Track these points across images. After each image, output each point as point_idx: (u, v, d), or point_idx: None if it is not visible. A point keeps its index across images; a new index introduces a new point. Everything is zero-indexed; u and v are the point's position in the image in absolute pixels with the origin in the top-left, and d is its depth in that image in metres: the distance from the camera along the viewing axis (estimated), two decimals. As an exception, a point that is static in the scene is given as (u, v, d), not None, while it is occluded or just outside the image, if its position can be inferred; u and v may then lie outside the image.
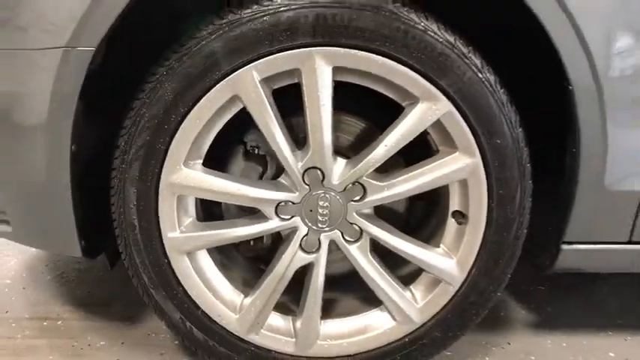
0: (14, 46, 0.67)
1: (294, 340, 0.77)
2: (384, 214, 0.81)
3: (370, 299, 0.79)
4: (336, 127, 0.77)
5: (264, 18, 0.63)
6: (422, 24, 0.64)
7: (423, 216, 0.85)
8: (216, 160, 0.77)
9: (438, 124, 0.68)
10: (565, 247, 0.76)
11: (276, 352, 0.77)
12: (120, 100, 0.71)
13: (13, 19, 0.67)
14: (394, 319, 0.77)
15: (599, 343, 0.99)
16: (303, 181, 0.71)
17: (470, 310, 0.76)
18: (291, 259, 0.74)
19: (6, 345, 0.93)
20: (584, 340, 0.99)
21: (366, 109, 0.80)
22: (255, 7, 0.63)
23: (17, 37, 0.67)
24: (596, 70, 0.65)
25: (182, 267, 0.73)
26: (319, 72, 0.65)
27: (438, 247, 0.76)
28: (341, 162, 0.72)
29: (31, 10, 0.66)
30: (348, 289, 0.85)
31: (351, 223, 0.73)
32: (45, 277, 1.17)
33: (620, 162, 0.70)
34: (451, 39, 0.65)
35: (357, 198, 0.72)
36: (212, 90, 0.65)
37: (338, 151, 0.75)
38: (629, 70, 0.67)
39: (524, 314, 1.07)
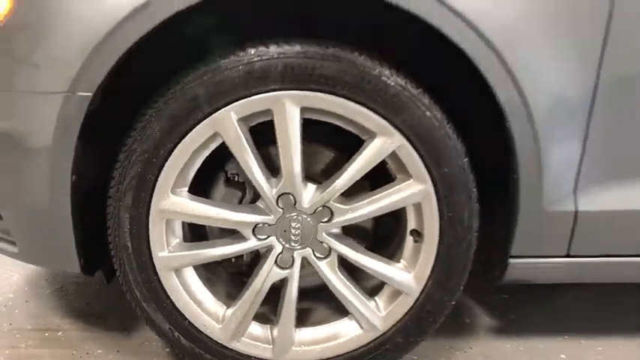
0: (24, 88, 0.77)
1: (271, 346, 0.86)
2: (354, 231, 0.91)
3: (340, 309, 0.88)
4: (308, 156, 0.87)
5: (240, 67, 0.73)
6: (377, 70, 0.74)
7: (388, 234, 0.95)
8: (202, 186, 0.87)
9: (393, 155, 0.78)
10: (512, 260, 0.86)
11: (255, 357, 0.86)
12: (115, 135, 0.80)
13: (24, 63, 0.76)
14: (361, 327, 0.86)
15: (554, 346, 1.08)
16: (277, 205, 0.80)
17: (427, 318, 0.85)
18: (267, 275, 0.83)
19: (11, 354, 1.01)
20: (540, 344, 1.08)
21: (335, 140, 0.89)
22: (232, 57, 0.73)
23: (26, 80, 0.76)
24: (529, 107, 0.75)
25: (170, 283, 0.83)
26: (288, 112, 0.74)
27: (399, 262, 0.86)
28: (311, 187, 0.82)
29: (39, 57, 0.75)
30: (320, 300, 0.95)
31: (321, 242, 0.83)
32: (45, 291, 1.26)
33: (554, 186, 0.80)
34: (402, 82, 0.75)
35: (326, 219, 0.82)
36: (195, 128, 0.75)
37: (311, 177, 0.85)
38: (558, 102, 0.77)
39: (488, 321, 1.17)
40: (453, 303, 0.86)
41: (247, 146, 0.76)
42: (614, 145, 0.81)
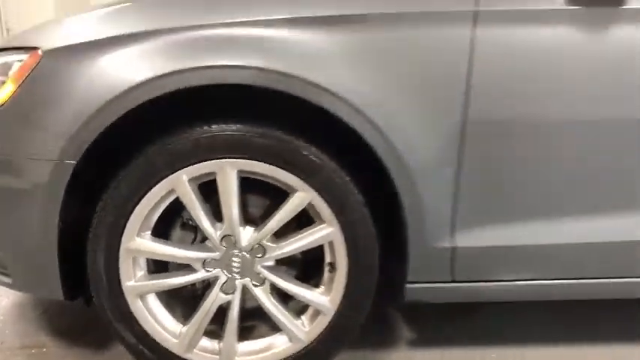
0: (23, 155, 0.99)
1: (218, 357, 1.08)
2: (288, 262, 1.14)
3: (275, 326, 1.10)
4: (250, 204, 1.10)
5: (190, 141, 0.96)
6: (295, 143, 0.97)
7: (315, 264, 1.17)
8: (163, 229, 1.09)
9: (310, 205, 1.01)
10: (408, 286, 1.10)
11: (204, 365, 1.08)
12: (94, 191, 1.02)
13: (25, 137, 0.98)
14: (290, 340, 1.08)
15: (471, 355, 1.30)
16: (221, 244, 1.03)
17: (341, 332, 1.08)
18: (214, 299, 1.05)
19: (2, 368, 1.21)
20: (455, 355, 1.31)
21: (269, 191, 1.12)
22: (184, 134, 0.96)
23: (25, 149, 0.98)
24: (406, 164, 0.98)
25: (136, 306, 1.04)
26: (228, 175, 0.97)
27: (319, 287, 1.08)
28: (249, 230, 1.05)
29: (36, 133, 0.97)
30: (261, 318, 1.16)
31: (257, 273, 1.05)
32: (32, 314, 1.45)
33: (434, 227, 1.04)
34: (315, 152, 0.98)
35: (260, 255, 1.04)
36: (156, 186, 0.98)
37: (252, 221, 1.08)
38: (429, 158, 0.99)
39: (410, 334, 1.40)
40: (362, 321, 1.09)
41: (195, 200, 0.99)
42: (483, 194, 1.05)
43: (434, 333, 1.41)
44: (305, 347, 1.08)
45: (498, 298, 1.19)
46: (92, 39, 0.98)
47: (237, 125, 0.97)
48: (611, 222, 1.08)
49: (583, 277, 1.13)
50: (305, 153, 0.98)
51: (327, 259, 1.06)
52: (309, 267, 1.17)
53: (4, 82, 1.03)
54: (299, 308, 1.12)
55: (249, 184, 1.03)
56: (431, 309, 1.50)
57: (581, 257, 1.12)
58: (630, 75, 1.00)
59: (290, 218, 1.02)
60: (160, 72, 0.94)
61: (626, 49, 1.00)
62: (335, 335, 1.08)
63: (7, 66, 1.03)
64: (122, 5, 1.07)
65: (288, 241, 1.04)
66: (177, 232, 1.10)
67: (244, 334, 1.12)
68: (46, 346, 1.29)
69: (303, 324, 1.08)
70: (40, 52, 0.99)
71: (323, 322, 1.07)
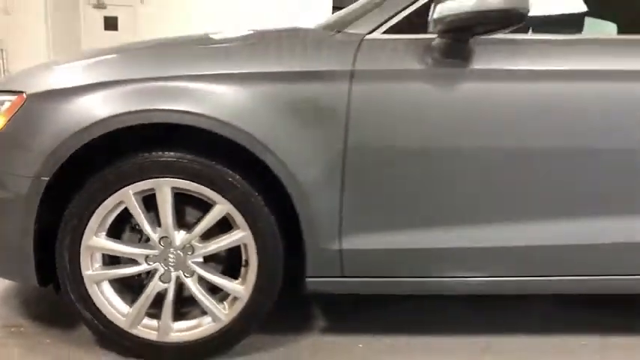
0: (7, 171, 1.30)
1: (156, 332, 1.38)
2: (217, 259, 1.44)
3: (204, 310, 1.40)
4: (187, 213, 1.41)
5: (136, 164, 1.27)
6: (216, 167, 1.29)
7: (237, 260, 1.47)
8: (118, 231, 1.40)
9: (229, 215, 1.32)
10: (308, 279, 1.40)
11: (145, 339, 1.37)
12: (63, 200, 1.33)
13: (11, 157, 1.29)
14: (213, 320, 1.38)
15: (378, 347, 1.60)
16: (160, 244, 1.33)
17: (253, 315, 1.38)
18: (154, 287, 1.35)
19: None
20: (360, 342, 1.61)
21: (200, 202, 1.43)
22: (132, 159, 1.27)
23: (9, 167, 1.29)
24: (300, 183, 1.29)
25: (93, 291, 1.34)
26: (164, 190, 1.29)
27: (237, 279, 1.39)
28: (182, 233, 1.35)
29: (19, 155, 1.28)
30: (195, 304, 1.46)
31: (188, 267, 1.36)
32: (13, 300, 1.75)
33: (325, 233, 1.35)
34: (231, 174, 1.29)
35: (190, 253, 1.35)
36: (109, 198, 1.28)
37: (186, 225, 1.38)
38: (319, 181, 1.30)
39: (323, 321, 1.70)
40: (270, 305, 1.39)
41: (139, 209, 1.30)
42: (362, 208, 1.36)
43: (347, 322, 1.71)
44: (225, 326, 1.38)
45: (384, 291, 1.51)
46: (65, 86, 1.30)
47: (172, 152, 1.28)
48: (471, 230, 1.40)
49: (450, 276, 1.45)
50: (224, 175, 1.29)
51: (243, 257, 1.37)
52: (234, 264, 1.48)
53: (2, 113, 1.34)
54: (223, 296, 1.42)
55: (186, 198, 1.34)
56: (349, 300, 1.83)
57: (450, 259, 1.43)
58: (471, 114, 1.33)
59: (212, 225, 1.33)
60: (114, 112, 1.26)
61: (472, 95, 1.32)
62: (248, 317, 1.39)
63: (3, 105, 1.34)
64: (91, 60, 1.40)
65: (211, 242, 1.35)
66: (127, 234, 1.41)
67: (181, 316, 1.42)
68: (24, 326, 1.58)
69: (224, 308, 1.39)
70: (24, 95, 1.31)
71: (239, 307, 1.37)
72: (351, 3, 1.67)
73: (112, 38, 8.69)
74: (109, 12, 8.70)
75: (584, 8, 1.78)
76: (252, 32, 1.59)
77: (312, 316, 1.74)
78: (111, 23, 8.76)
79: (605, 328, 1.69)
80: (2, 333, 1.55)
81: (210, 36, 1.61)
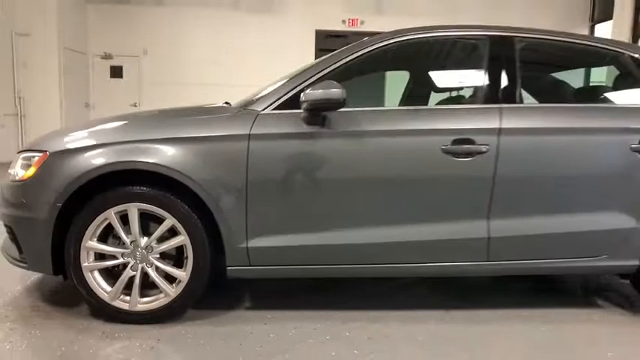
0: (36, 201, 2.07)
1: (128, 304, 2.11)
2: (169, 255, 2.19)
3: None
4: (149, 225, 2.17)
5: (114, 195, 2.04)
6: (167, 195, 2.05)
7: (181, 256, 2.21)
8: (105, 236, 2.15)
9: (174, 226, 2.08)
10: (228, 268, 2.14)
11: (121, 309, 2.12)
12: (74, 218, 2.09)
13: (37, 191, 2.07)
14: (165, 296, 2.12)
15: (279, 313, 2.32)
16: (131, 245, 2.09)
17: (191, 293, 2.13)
18: (127, 274, 2.11)
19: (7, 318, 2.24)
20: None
21: (156, 218, 2.18)
22: (113, 192, 2.05)
23: (37, 197, 2.07)
24: (217, 200, 2.05)
25: (88, 277, 2.10)
26: (133, 211, 2.06)
27: (181, 268, 2.13)
28: (145, 238, 2.11)
29: (43, 189, 2.06)
30: (153, 286, 2.19)
31: (149, 260, 2.11)
32: (35, 292, 2.49)
33: (236, 236, 2.10)
34: (176, 199, 2.06)
35: (150, 251, 2.10)
36: (99, 216, 2.06)
37: (148, 233, 2.14)
38: (230, 200, 2.06)
39: (249, 301, 2.41)
40: (203, 287, 2.13)
41: (117, 223, 2.06)
42: (261, 220, 2.11)
43: (270, 300, 2.43)
44: (172, 300, 2.13)
45: (277, 275, 2.25)
46: (73, 147, 2.10)
47: (138, 187, 2.06)
48: (332, 233, 2.14)
49: (323, 264, 2.19)
50: (171, 201, 2.06)
51: (186, 253, 2.12)
52: (180, 258, 2.22)
53: (29, 166, 2.13)
54: (172, 280, 2.16)
55: (148, 215, 2.10)
56: (285, 286, 2.56)
57: (322, 252, 2.17)
58: (325, 157, 2.10)
59: (163, 232, 2.09)
60: (107, 161, 2.04)
61: (324, 146, 2.11)
62: (187, 294, 2.13)
63: (33, 159, 2.13)
64: (90, 128, 2.20)
65: (163, 244, 2.10)
66: (110, 239, 2.17)
67: (144, 294, 2.16)
68: (41, 306, 2.33)
69: (173, 287, 2.13)
70: (47, 153, 2.10)
71: (181, 287, 2.12)
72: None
73: (117, 84, 9.75)
74: (115, 62, 9.80)
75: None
76: (191, 108, 2.40)
77: (241, 298, 2.47)
78: (117, 72, 9.83)
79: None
80: (27, 311, 2.29)
81: (166, 111, 2.43)
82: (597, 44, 2.47)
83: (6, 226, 2.24)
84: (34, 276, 2.66)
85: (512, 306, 2.48)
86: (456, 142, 2.12)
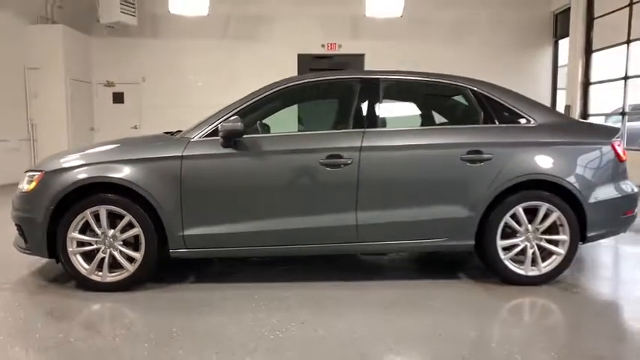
0: (36, 205, 2.97)
1: (100, 277, 2.99)
2: (130, 242, 3.06)
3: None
4: (115, 221, 3.05)
5: (91, 199, 2.93)
6: (127, 200, 2.93)
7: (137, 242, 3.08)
8: (84, 229, 3.03)
9: (131, 221, 2.96)
10: (171, 251, 3.01)
11: (96, 280, 3.00)
12: (62, 216, 2.98)
13: (37, 200, 2.96)
14: (127, 271, 3.01)
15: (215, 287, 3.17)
16: (102, 235, 2.98)
17: (145, 269, 3.01)
18: (99, 256, 3.00)
19: (14, 290, 3.13)
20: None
21: (119, 216, 3.06)
22: (89, 198, 2.93)
23: (36, 204, 2.97)
24: (160, 203, 2.93)
25: (72, 258, 2.99)
26: (103, 211, 2.96)
27: (138, 251, 3.00)
28: (111, 230, 3.00)
29: (41, 198, 2.95)
30: (118, 265, 3.06)
31: (115, 246, 2.99)
32: (43, 279, 3.38)
33: (175, 226, 2.96)
34: (133, 203, 2.94)
35: (116, 240, 2.98)
36: (79, 215, 2.96)
37: (114, 226, 3.02)
38: (173, 204, 2.94)
39: (194, 277, 3.27)
40: (153, 264, 3.00)
41: (92, 220, 2.96)
42: (192, 215, 2.98)
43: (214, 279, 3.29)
44: (131, 274, 3.01)
45: (207, 255, 3.11)
46: (63, 167, 3.00)
47: (108, 194, 2.94)
48: (247, 223, 3.00)
49: (241, 246, 3.05)
50: (129, 204, 2.95)
51: (140, 241, 2.99)
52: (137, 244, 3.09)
53: (32, 182, 3.04)
54: (131, 259, 3.03)
55: (114, 215, 2.98)
56: (219, 267, 3.42)
57: (240, 238, 3.02)
58: (236, 170, 2.98)
59: (123, 226, 2.97)
60: (84, 177, 2.93)
61: (236, 163, 2.99)
62: (142, 270, 3.01)
63: (34, 176, 3.04)
64: (74, 154, 3.12)
65: (124, 234, 2.99)
66: (88, 232, 3.05)
67: (114, 270, 3.03)
68: (40, 282, 3.21)
69: (132, 265, 3.00)
70: (44, 172, 3.00)
71: (137, 264, 3.00)
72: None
73: (119, 109, 10.79)
74: (117, 89, 10.88)
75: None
76: (145, 137, 3.29)
77: (188, 276, 3.33)
78: (118, 98, 10.89)
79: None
80: (31, 285, 3.17)
81: (129, 139, 3.33)
82: (446, 81, 3.33)
83: (16, 224, 3.14)
84: (37, 264, 3.56)
85: (391, 278, 3.31)
86: (329, 157, 2.99)
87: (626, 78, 8.68)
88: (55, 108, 9.41)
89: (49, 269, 3.49)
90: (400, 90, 3.43)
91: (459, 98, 3.39)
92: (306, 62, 10.93)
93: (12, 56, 8.81)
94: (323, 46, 10.96)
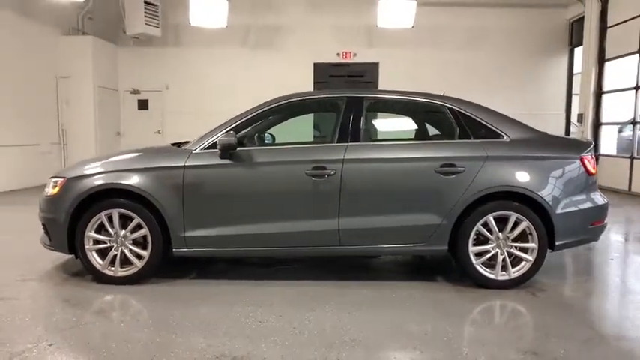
0: (60, 209, 3.41)
1: (113, 271, 3.41)
2: (139, 241, 3.47)
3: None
4: (126, 223, 3.46)
5: (105, 203, 3.35)
6: (136, 204, 3.34)
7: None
8: (103, 229, 3.46)
9: (140, 223, 3.36)
10: (174, 250, 3.40)
11: (109, 274, 3.42)
12: (81, 218, 3.41)
13: (59, 204, 3.40)
14: (135, 267, 3.41)
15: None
16: (116, 235, 3.40)
17: (151, 265, 3.41)
18: (112, 253, 3.42)
19: (42, 279, 3.58)
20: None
21: (130, 218, 3.47)
22: (104, 201, 3.35)
23: (59, 207, 3.41)
24: (163, 207, 3.32)
25: (89, 254, 3.42)
26: (115, 214, 3.38)
27: (145, 250, 3.40)
28: (123, 231, 3.41)
29: (63, 202, 3.39)
30: (129, 261, 3.47)
31: (126, 244, 3.40)
32: (65, 273, 3.83)
33: (177, 228, 3.35)
34: (142, 207, 3.34)
35: (126, 239, 3.39)
36: (95, 216, 3.39)
37: (125, 227, 3.43)
38: (175, 207, 3.33)
39: (195, 271, 3.65)
40: (158, 261, 3.39)
41: (106, 221, 3.38)
42: (192, 218, 3.36)
43: (213, 277, 3.66)
44: (140, 269, 3.42)
45: (207, 255, 3.49)
46: (83, 174, 3.44)
47: (120, 199, 3.36)
48: (242, 226, 3.37)
49: (236, 247, 3.41)
50: (138, 208, 3.35)
51: (147, 240, 3.39)
52: (145, 243, 3.49)
53: (55, 187, 3.48)
54: (140, 256, 3.43)
55: (125, 217, 3.39)
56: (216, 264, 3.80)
57: (236, 239, 3.40)
58: (234, 178, 3.35)
59: (133, 227, 3.37)
60: (100, 183, 3.36)
61: (232, 172, 3.37)
62: (149, 266, 3.41)
63: (57, 182, 3.49)
64: (93, 163, 3.55)
65: (134, 234, 3.39)
66: (102, 231, 3.47)
67: (124, 265, 3.44)
68: (62, 275, 3.65)
69: (140, 262, 3.40)
70: (66, 178, 3.44)
71: (145, 261, 3.41)
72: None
73: (144, 115, 11.40)
74: (142, 96, 11.51)
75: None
76: (155, 147, 3.70)
77: (190, 273, 3.72)
78: (143, 104, 11.51)
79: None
80: (55, 278, 3.61)
81: (141, 150, 3.74)
82: (425, 99, 3.63)
83: (42, 224, 3.59)
84: (61, 259, 4.01)
85: (374, 279, 3.62)
86: (314, 168, 3.32)
87: (637, 88, 8.72)
88: (84, 114, 10.06)
89: (71, 264, 3.93)
90: (383, 108, 3.74)
91: (438, 115, 3.68)
92: (322, 71, 11.32)
93: (45, 66, 9.50)
94: (338, 54, 11.32)
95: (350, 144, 3.42)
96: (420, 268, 4.07)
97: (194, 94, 11.35)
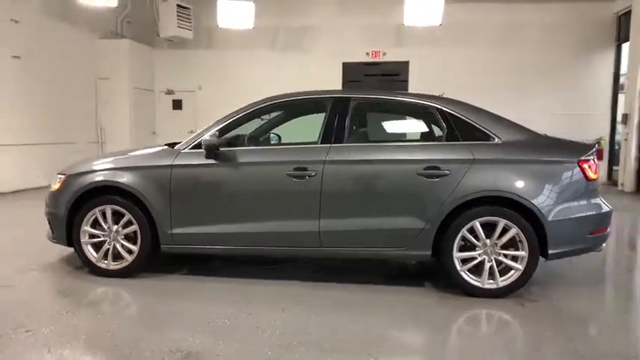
0: (59, 203, 3.61)
1: (106, 264, 3.57)
2: (130, 237, 3.61)
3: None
4: (118, 218, 3.61)
5: (100, 199, 3.52)
6: (127, 201, 3.48)
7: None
8: (97, 224, 3.63)
9: (130, 219, 3.50)
10: (162, 246, 3.51)
11: (102, 267, 3.59)
12: (78, 213, 3.60)
13: (59, 199, 3.61)
14: (126, 261, 3.56)
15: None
16: (109, 230, 3.56)
17: (140, 260, 3.54)
18: (105, 247, 3.58)
19: (49, 270, 3.80)
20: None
21: (121, 214, 3.62)
22: (98, 198, 3.52)
23: (59, 202, 3.61)
24: (151, 205, 3.44)
25: (84, 248, 3.61)
26: (108, 210, 3.54)
27: (135, 245, 3.53)
28: (115, 226, 3.56)
29: (62, 197, 3.59)
30: (121, 256, 3.62)
31: (118, 239, 3.55)
32: (69, 266, 4.06)
33: (164, 225, 3.46)
34: (132, 204, 3.48)
35: (118, 234, 3.54)
36: (90, 212, 3.56)
37: (117, 222, 3.58)
38: (163, 207, 3.44)
39: (183, 268, 3.76)
40: (147, 256, 3.52)
41: (100, 217, 3.54)
42: (178, 216, 3.46)
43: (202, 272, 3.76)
44: (130, 263, 3.57)
45: (192, 252, 3.59)
46: (82, 171, 3.63)
47: (114, 196, 3.51)
48: (226, 225, 3.43)
49: (222, 246, 3.49)
50: (129, 204, 3.50)
51: (137, 236, 3.53)
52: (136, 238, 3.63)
53: (59, 182, 3.69)
54: (131, 251, 3.57)
55: (117, 213, 3.55)
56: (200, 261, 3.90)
57: (220, 238, 3.46)
58: (217, 177, 3.42)
59: (126, 222, 3.52)
60: (96, 180, 3.53)
61: (217, 171, 3.44)
62: (138, 260, 3.55)
63: (60, 178, 3.70)
64: (95, 160, 3.73)
65: (126, 229, 3.54)
66: (97, 226, 3.64)
67: (116, 259, 3.60)
68: (62, 267, 3.86)
69: (130, 256, 3.55)
70: (67, 175, 3.64)
71: (134, 255, 3.55)
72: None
73: (178, 115, 11.81)
74: (176, 96, 11.90)
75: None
76: (144, 148, 3.84)
77: (181, 269, 3.83)
78: (177, 104, 11.92)
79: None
80: (56, 270, 3.83)
81: (134, 149, 3.89)
82: (413, 100, 3.54)
83: (47, 218, 3.81)
84: (65, 252, 4.24)
85: (358, 282, 3.59)
86: (295, 169, 3.33)
87: (684, 86, 8.06)
88: (121, 114, 10.55)
89: (74, 257, 4.15)
90: (370, 108, 3.69)
91: (426, 116, 3.58)
92: (352, 70, 11.28)
93: (86, 68, 10.04)
94: (367, 54, 11.24)
95: (333, 145, 3.40)
96: (405, 273, 3.97)
97: (226, 95, 11.60)
